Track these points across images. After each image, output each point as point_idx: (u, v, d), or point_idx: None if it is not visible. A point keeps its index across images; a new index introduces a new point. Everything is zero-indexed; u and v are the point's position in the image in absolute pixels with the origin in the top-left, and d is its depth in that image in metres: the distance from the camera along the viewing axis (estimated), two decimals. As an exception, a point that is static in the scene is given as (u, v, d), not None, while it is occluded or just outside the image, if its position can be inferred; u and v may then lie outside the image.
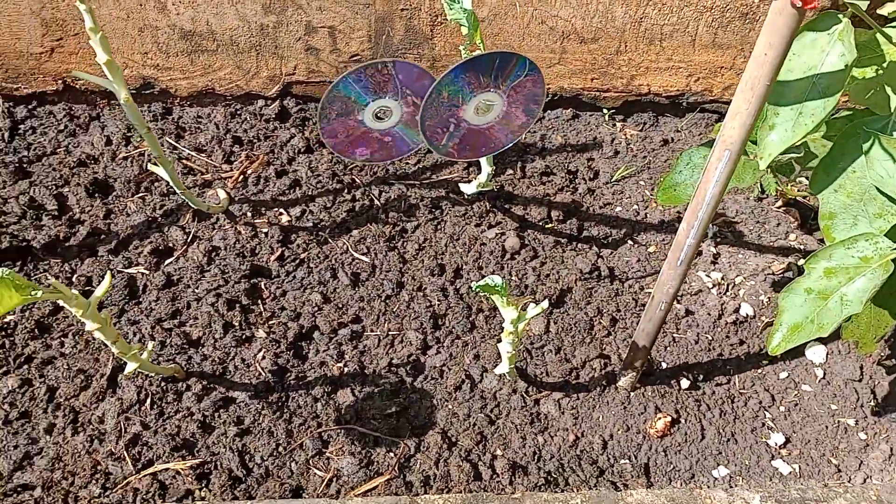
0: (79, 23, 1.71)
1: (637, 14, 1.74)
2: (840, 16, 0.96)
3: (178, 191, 1.47)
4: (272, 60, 1.80)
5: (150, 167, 1.43)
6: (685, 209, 1.75)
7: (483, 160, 1.41)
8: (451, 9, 1.14)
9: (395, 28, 1.75)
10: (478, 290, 1.02)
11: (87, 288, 1.49)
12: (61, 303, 1.02)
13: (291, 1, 1.69)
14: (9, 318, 1.43)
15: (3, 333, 1.40)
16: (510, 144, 1.16)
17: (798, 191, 1.64)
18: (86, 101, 1.86)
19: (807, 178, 1.68)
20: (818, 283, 1.01)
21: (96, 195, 1.66)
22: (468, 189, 1.57)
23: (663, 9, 1.73)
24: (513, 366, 1.28)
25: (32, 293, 0.91)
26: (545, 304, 1.08)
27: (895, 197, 1.02)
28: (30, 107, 1.85)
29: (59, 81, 1.81)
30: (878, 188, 1.03)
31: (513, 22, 1.75)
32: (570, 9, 1.73)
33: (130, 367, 1.18)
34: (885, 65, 1.10)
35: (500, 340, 1.43)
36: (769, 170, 1.43)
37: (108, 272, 1.14)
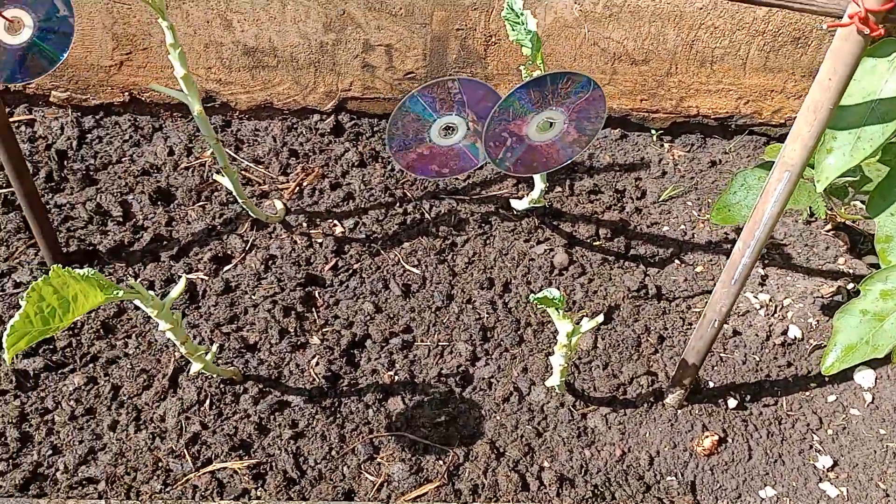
0: (147, 38, 1.78)
1: (689, 37, 1.77)
2: (900, 42, 0.98)
3: (239, 200, 1.52)
4: (329, 77, 1.86)
5: (216, 177, 1.49)
6: (736, 230, 1.76)
7: (537, 177, 1.45)
8: (513, 30, 1.18)
9: (450, 47, 1.80)
10: (535, 301, 1.05)
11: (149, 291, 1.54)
12: (138, 303, 1.07)
13: (351, 20, 1.74)
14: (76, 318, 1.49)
15: (71, 333, 1.46)
16: (567, 162, 1.19)
17: (851, 214, 1.65)
18: (150, 112, 1.94)
19: (861, 201, 1.68)
20: (874, 305, 1.02)
21: (159, 203, 1.73)
22: (519, 205, 1.60)
23: (715, 32, 1.75)
24: (563, 379, 1.31)
25: (114, 293, 0.96)
26: (600, 318, 1.10)
27: (953, 222, 1.03)
28: (97, 117, 1.93)
29: (126, 93, 1.89)
30: (935, 213, 1.04)
31: (565, 43, 1.79)
32: (622, 31, 1.76)
33: (195, 367, 1.23)
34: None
35: (550, 354, 1.46)
36: (823, 193, 1.43)
37: (183, 276, 1.19)
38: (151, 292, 1.07)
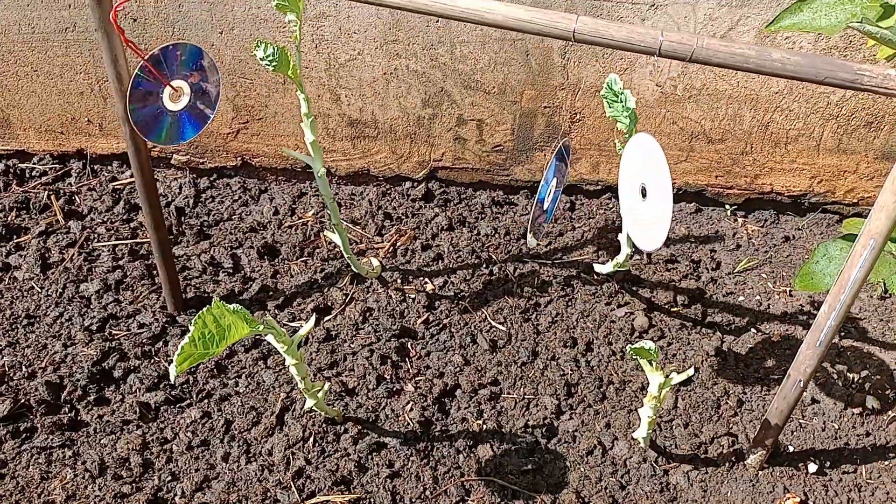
0: (264, 109, 1.98)
1: (764, 118, 1.88)
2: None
3: (345, 255, 1.66)
4: (423, 147, 2.02)
5: (326, 233, 1.64)
6: (811, 301, 1.81)
7: (623, 242, 1.55)
8: (610, 107, 1.31)
9: (537, 123, 1.95)
10: (632, 351, 1.14)
11: (256, 337, 1.68)
12: (269, 338, 1.20)
13: (447, 96, 1.91)
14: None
15: (188, 371, 1.60)
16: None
17: None
18: (257, 176, 2.12)
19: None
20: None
21: (265, 257, 1.89)
22: (603, 269, 1.70)
23: (790, 115, 1.86)
24: (651, 431, 1.37)
25: (257, 326, 1.09)
26: (691, 370, 1.18)
27: None
28: (211, 178, 2.12)
29: (239, 158, 2.08)
30: None
31: (646, 121, 1.92)
32: (700, 112, 1.88)
33: (309, 403, 1.34)
34: None
35: (632, 411, 1.53)
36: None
37: (313, 315, 1.32)
38: (283, 329, 1.19)
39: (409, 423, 1.52)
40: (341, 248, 1.66)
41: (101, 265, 1.83)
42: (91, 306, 1.73)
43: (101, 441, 1.47)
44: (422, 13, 1.06)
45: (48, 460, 1.44)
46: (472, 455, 1.47)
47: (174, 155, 2.09)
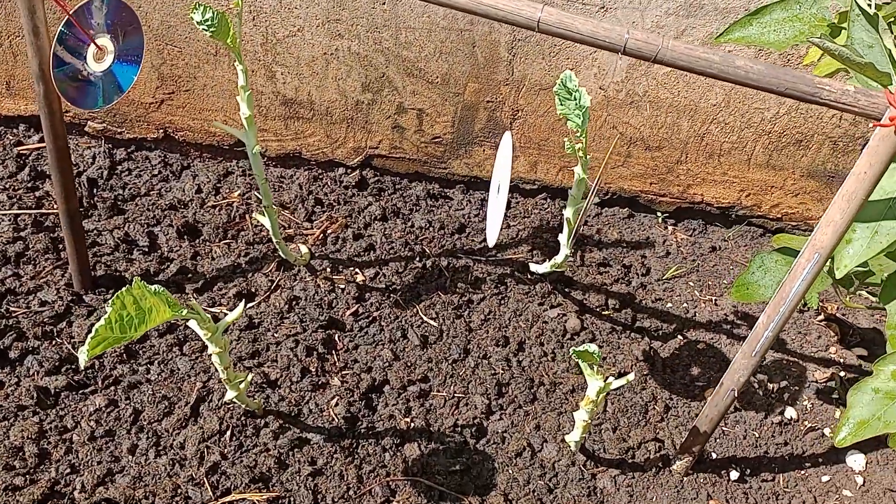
0: (192, 81, 1.86)
1: (701, 129, 1.90)
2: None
3: (274, 239, 1.57)
4: (360, 133, 1.95)
5: (255, 215, 1.55)
6: (735, 312, 1.85)
7: (563, 243, 1.53)
8: (562, 104, 1.28)
9: (478, 117, 1.91)
10: (574, 353, 1.11)
11: (172, 321, 1.57)
12: (191, 324, 1.11)
13: (389, 82, 1.85)
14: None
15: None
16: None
17: (854, 303, 1.75)
18: (180, 151, 2.00)
19: (868, 291, 1.79)
20: (885, 385, 1.10)
21: (185, 237, 1.77)
22: (540, 269, 1.68)
23: (725, 128, 1.89)
24: (584, 435, 1.36)
25: (180, 311, 1.00)
26: (631, 375, 1.16)
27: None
28: (128, 150, 1.98)
29: (161, 130, 1.95)
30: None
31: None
32: (640, 118, 1.89)
33: (230, 394, 1.25)
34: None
35: (561, 413, 1.51)
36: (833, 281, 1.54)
37: (241, 301, 1.23)
38: (208, 315, 1.11)
39: (333, 419, 1.45)
40: (270, 232, 1.58)
41: (1, 235, 1.67)
42: (-14, 280, 1.58)
43: (-8, 428, 1.34)
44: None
45: (-72, 448, 1.29)
46: (398, 454, 1.42)
47: (89, 122, 1.94)
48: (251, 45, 1.79)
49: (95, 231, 1.74)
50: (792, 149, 1.93)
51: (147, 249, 1.73)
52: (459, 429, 1.48)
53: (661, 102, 1.86)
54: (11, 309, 1.53)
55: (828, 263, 1.17)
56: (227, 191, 1.92)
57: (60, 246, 1.68)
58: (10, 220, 1.71)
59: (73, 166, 1.89)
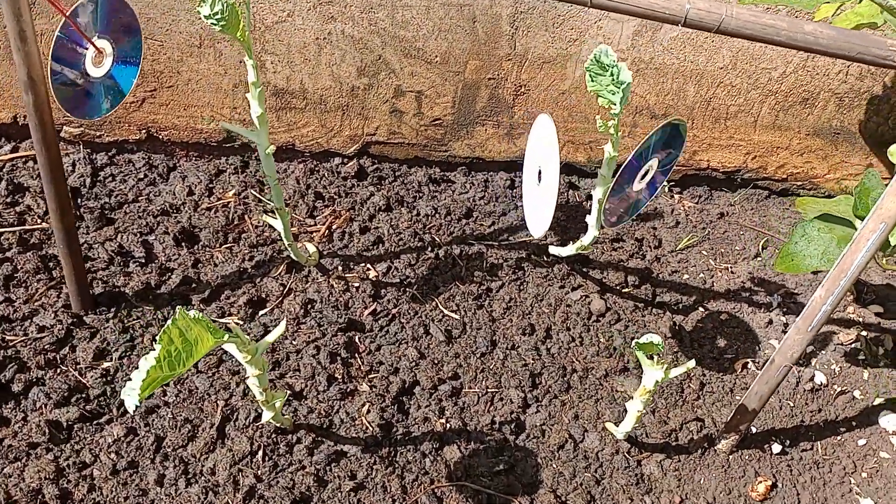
0: (175, 76, 1.74)
1: (707, 94, 1.85)
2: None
3: (285, 242, 1.49)
4: (356, 120, 1.85)
5: (265, 217, 1.46)
6: (752, 279, 1.82)
7: (592, 224, 1.47)
8: (593, 80, 1.21)
9: (480, 95, 1.83)
10: (637, 346, 1.06)
11: (185, 336, 1.48)
12: (227, 347, 1.03)
13: (385, 65, 1.75)
14: (107, 364, 1.41)
15: (104, 380, 1.38)
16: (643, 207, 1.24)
17: (891, 265, 1.73)
18: (165, 151, 1.88)
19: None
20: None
21: (183, 244, 1.67)
22: (563, 251, 1.62)
23: (732, 90, 1.85)
24: (636, 425, 1.31)
25: (223, 336, 0.92)
26: (692, 363, 1.12)
27: None
28: (110, 154, 1.86)
29: (143, 131, 1.83)
30: None
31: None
32: (646, 86, 1.83)
33: (266, 415, 1.18)
34: None
35: (598, 399, 1.47)
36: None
37: (284, 318, 1.15)
38: (248, 336, 1.02)
39: (367, 427, 1.38)
40: (281, 234, 1.49)
41: (-16, 258, 1.55)
42: (-24, 308, 1.46)
43: (4, 471, 1.24)
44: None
45: (-62, 499, 1.19)
46: (439, 458, 1.36)
47: (65, 126, 1.81)
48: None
49: (86, 245, 1.63)
50: (798, 107, 1.89)
51: (144, 260, 1.62)
52: (497, 425, 1.43)
53: (666, 69, 1.80)
54: (8, 338, 1.42)
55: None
56: (221, 191, 1.82)
57: (51, 264, 1.56)
58: (-8, 241, 1.59)
59: (52, 176, 1.76)
